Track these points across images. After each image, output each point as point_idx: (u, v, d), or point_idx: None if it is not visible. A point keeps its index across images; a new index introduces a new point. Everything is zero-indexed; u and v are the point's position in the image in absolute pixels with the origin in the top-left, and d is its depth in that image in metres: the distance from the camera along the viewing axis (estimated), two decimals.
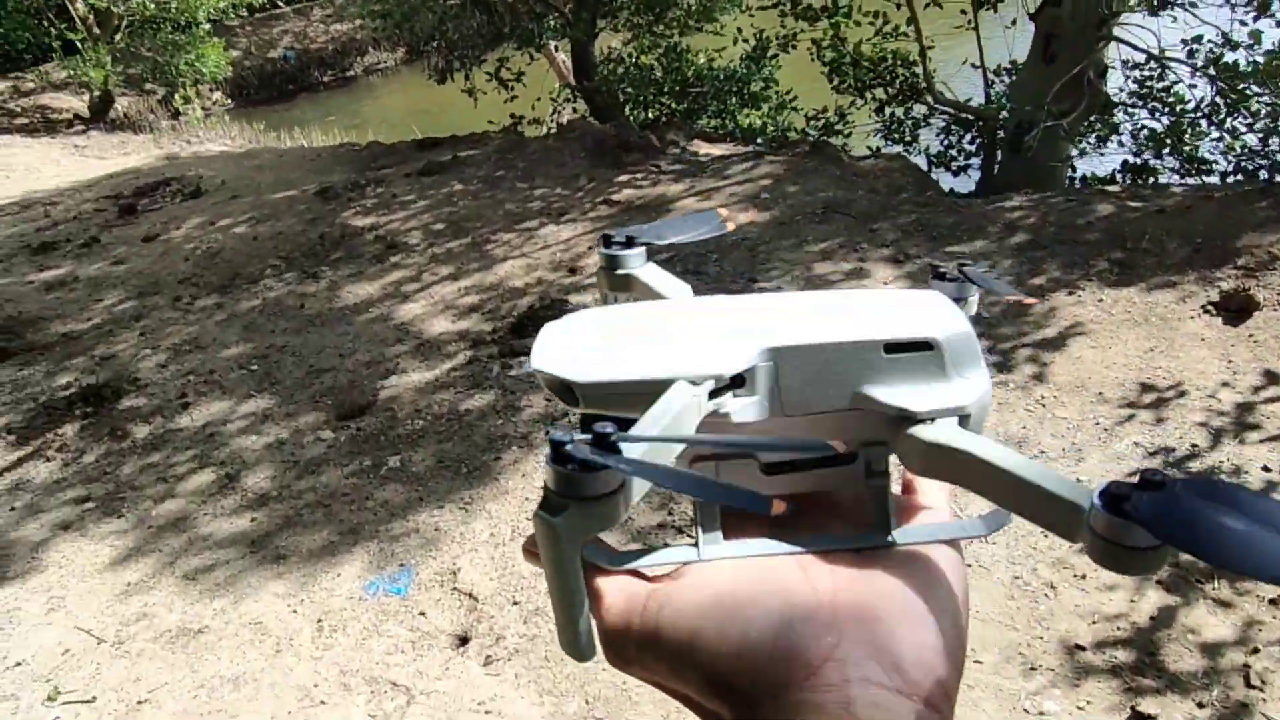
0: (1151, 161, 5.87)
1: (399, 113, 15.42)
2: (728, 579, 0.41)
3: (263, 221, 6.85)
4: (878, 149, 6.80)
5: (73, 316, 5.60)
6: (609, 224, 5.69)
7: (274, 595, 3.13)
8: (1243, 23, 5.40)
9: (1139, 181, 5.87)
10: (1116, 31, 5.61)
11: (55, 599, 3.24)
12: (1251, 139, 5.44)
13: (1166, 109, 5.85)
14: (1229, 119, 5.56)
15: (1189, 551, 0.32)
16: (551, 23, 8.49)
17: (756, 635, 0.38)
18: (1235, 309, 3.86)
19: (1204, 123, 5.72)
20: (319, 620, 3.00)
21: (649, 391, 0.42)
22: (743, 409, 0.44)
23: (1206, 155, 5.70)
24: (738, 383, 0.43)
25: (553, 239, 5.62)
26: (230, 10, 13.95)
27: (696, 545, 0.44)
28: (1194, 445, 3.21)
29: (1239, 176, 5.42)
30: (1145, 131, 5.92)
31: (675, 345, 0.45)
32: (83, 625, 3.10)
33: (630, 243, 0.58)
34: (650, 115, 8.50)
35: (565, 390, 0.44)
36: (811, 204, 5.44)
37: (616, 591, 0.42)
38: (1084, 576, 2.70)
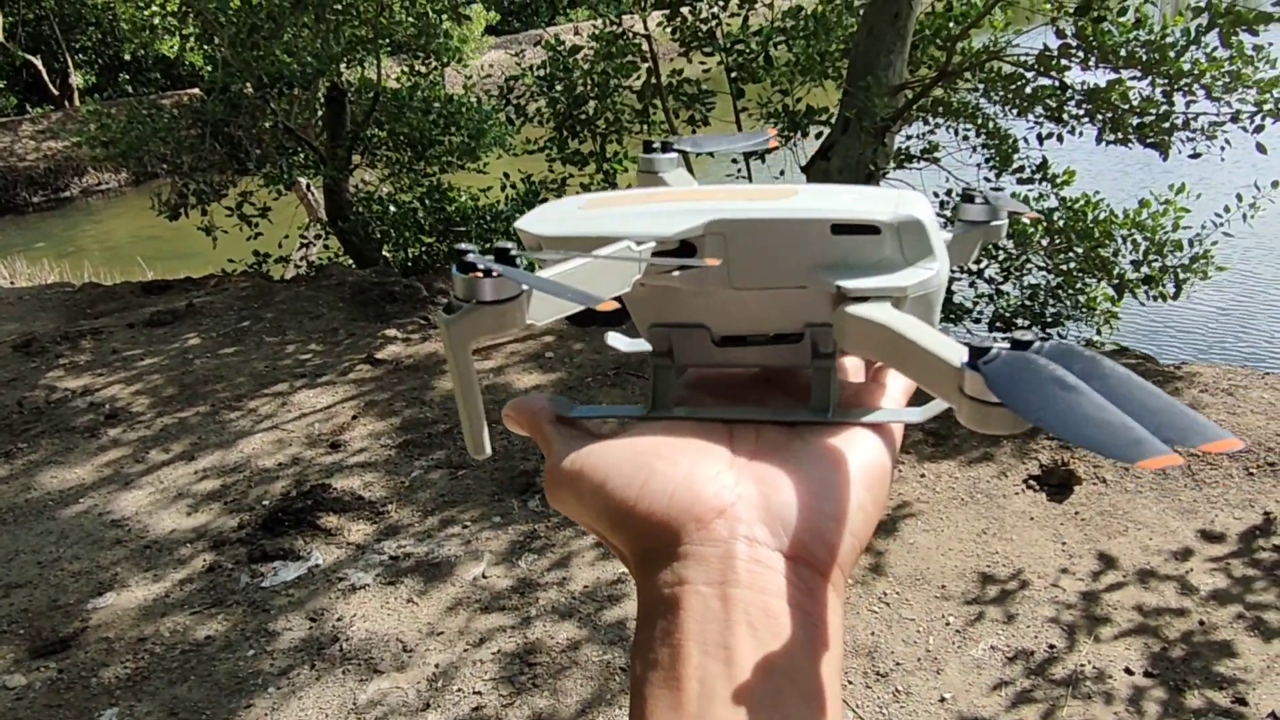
0: None
1: (124, 239, 14.02)
2: (653, 437, 0.44)
3: None
4: None
5: None
6: (374, 387, 5.14)
7: None
8: (988, 178, 5.82)
9: None
10: (883, 185, 5.86)
11: None
12: (1015, 294, 5.82)
13: None
14: (981, 267, 5.91)
15: (1018, 412, 0.34)
16: (302, 158, 7.91)
17: (657, 484, 0.41)
18: (1057, 484, 3.87)
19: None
20: None
21: (598, 247, 0.44)
22: (690, 277, 0.46)
23: (966, 305, 6.01)
24: (688, 251, 0.45)
25: (309, 406, 4.97)
26: None
27: (647, 407, 0.48)
28: (1051, 646, 3.07)
29: (1001, 327, 5.75)
30: None
31: (633, 212, 0.47)
32: None
33: (666, 148, 0.59)
34: (410, 254, 8.05)
35: (537, 249, 0.46)
36: (601, 363, 5.16)
37: (563, 440, 0.46)
38: None
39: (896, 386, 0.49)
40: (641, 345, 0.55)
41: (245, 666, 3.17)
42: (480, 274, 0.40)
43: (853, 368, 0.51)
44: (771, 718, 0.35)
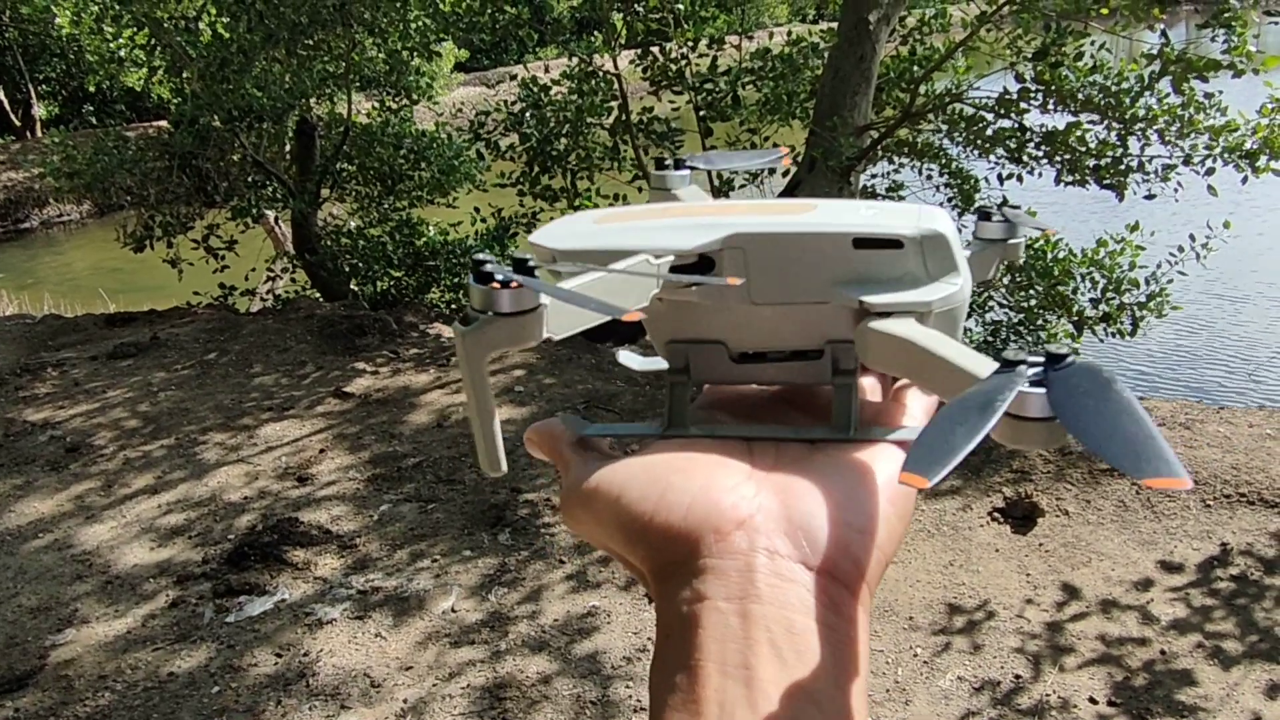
0: None
1: (85, 271, 13.83)
2: (670, 453, 0.43)
3: None
4: None
5: None
6: (343, 420, 5.11)
7: None
8: (952, 217, 5.95)
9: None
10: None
11: None
12: (978, 330, 5.93)
13: None
14: None
15: (1069, 429, 0.33)
16: (270, 190, 7.89)
17: (674, 496, 0.39)
18: (1021, 516, 3.95)
19: None
20: None
21: (615, 261, 0.43)
22: (708, 292, 0.45)
23: None
24: (707, 266, 0.45)
25: (276, 439, 4.94)
26: None
27: (663, 425, 0.46)
28: (1017, 676, 3.11)
29: None
30: None
31: (651, 226, 0.47)
32: None
33: (679, 165, 0.59)
34: (380, 288, 8.03)
35: (551, 262, 0.45)
36: (571, 396, 5.17)
37: (578, 460, 0.45)
38: None
39: (918, 406, 0.47)
40: (654, 364, 0.53)
41: (210, 703, 3.12)
42: (498, 285, 0.39)
43: (870, 387, 0.50)
44: None
